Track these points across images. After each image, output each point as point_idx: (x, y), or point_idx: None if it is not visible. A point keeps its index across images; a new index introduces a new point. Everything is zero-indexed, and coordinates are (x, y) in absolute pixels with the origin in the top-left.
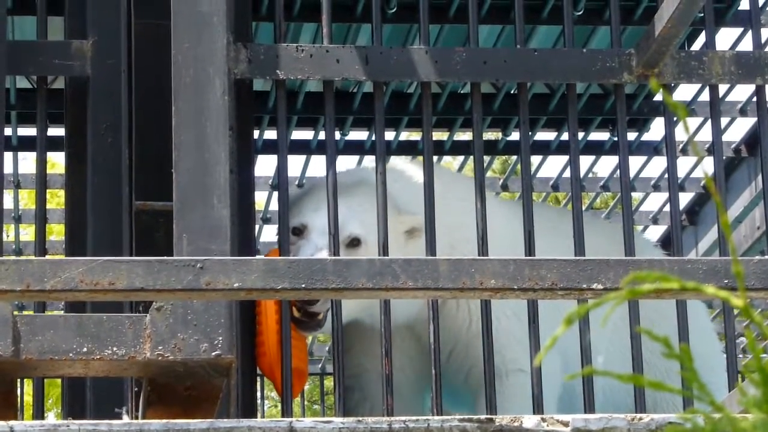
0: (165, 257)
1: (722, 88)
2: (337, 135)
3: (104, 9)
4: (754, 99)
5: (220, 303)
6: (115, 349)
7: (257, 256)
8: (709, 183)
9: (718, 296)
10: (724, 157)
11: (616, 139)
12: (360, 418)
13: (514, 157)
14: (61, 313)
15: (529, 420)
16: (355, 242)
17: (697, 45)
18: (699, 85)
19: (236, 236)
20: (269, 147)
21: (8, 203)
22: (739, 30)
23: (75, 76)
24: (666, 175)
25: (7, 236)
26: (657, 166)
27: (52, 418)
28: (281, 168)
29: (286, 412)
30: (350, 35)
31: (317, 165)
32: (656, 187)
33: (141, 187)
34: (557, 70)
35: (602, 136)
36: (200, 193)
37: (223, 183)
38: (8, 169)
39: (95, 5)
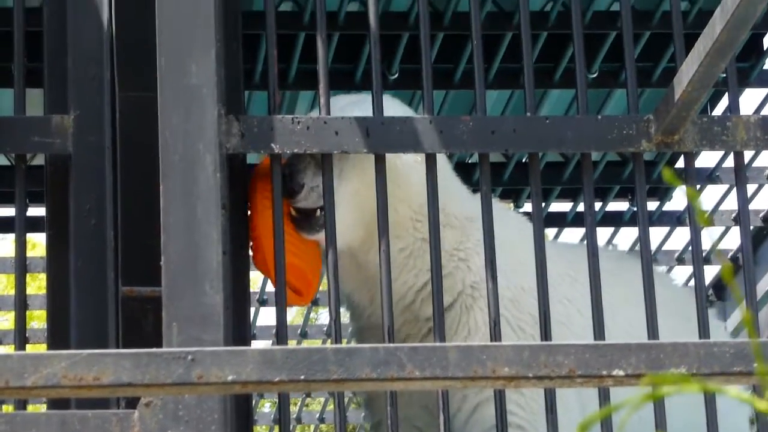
0: (153, 349)
1: (748, 154)
2: None
3: (86, 81)
4: None
5: (213, 397)
6: None
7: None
8: (725, 273)
9: (741, 400)
10: (751, 227)
11: (635, 209)
12: None
13: None
14: (44, 409)
15: None
16: None
17: (721, 107)
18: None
19: (230, 322)
20: None
21: None
22: (764, 91)
23: (55, 153)
24: (690, 248)
25: None
26: (680, 237)
27: None
28: (278, 246)
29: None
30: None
31: None
32: (680, 260)
33: (127, 271)
34: (571, 139)
35: (621, 206)
36: (191, 277)
37: (216, 266)
38: None
39: (77, 77)
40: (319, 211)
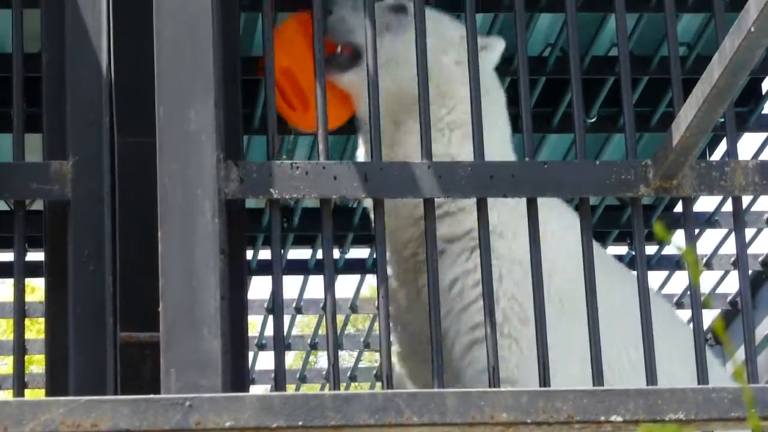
0: (151, 396)
1: (746, 199)
2: (337, 253)
3: (85, 127)
4: None
5: None
6: None
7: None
8: (717, 328)
9: None
10: (750, 272)
11: (634, 253)
12: None
13: None
14: None
15: None
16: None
17: (719, 150)
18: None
19: (228, 367)
20: (264, 268)
21: None
22: (763, 135)
23: (54, 200)
24: (689, 292)
25: None
26: (679, 281)
27: None
28: (276, 290)
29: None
30: (348, 148)
31: (315, 285)
32: (679, 305)
33: (126, 317)
34: (569, 185)
35: (620, 250)
36: (189, 323)
37: (214, 312)
38: None
39: (75, 123)
40: (340, 48)
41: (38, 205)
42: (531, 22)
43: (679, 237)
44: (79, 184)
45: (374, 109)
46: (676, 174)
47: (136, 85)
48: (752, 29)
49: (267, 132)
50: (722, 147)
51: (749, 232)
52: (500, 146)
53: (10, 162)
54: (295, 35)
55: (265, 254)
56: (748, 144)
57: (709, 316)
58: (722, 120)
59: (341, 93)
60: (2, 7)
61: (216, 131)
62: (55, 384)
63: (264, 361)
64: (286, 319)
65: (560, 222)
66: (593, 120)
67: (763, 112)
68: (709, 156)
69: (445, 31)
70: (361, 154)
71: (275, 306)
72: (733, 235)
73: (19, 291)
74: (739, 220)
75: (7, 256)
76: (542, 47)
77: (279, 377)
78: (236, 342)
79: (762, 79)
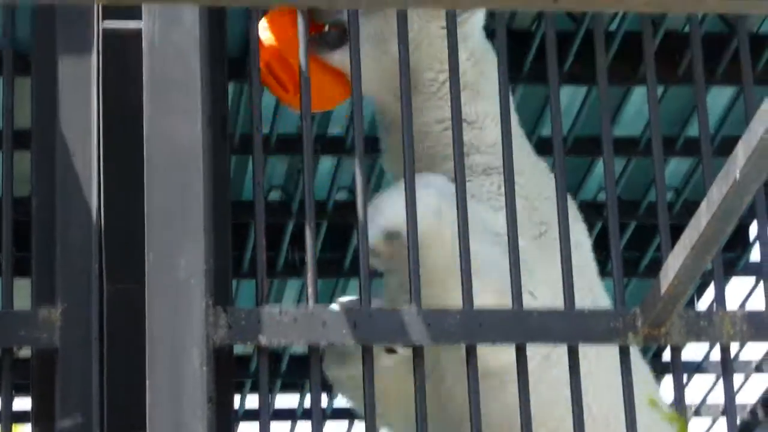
0: None
1: (735, 346)
2: (325, 400)
3: (74, 274)
4: None
5: None
6: None
7: None
8: None
9: None
10: (739, 420)
11: None
12: None
13: None
14: None
15: None
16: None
17: (708, 295)
18: None
19: None
20: (251, 414)
21: None
22: (750, 280)
23: (42, 348)
24: None
25: None
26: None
27: None
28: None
29: None
30: (337, 292)
31: None
32: None
33: None
34: (558, 332)
35: None
36: None
37: None
38: None
39: (65, 269)
40: (327, 27)
41: (26, 352)
42: None
43: (667, 383)
44: (68, 332)
45: (364, 249)
46: (664, 322)
47: (126, 230)
48: (738, 177)
49: (256, 276)
50: (710, 292)
51: (738, 379)
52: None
53: None
54: (283, 18)
55: (252, 400)
56: (736, 289)
57: None
58: (710, 266)
59: (334, 71)
60: None
61: (205, 278)
62: None
63: None
64: None
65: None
66: None
67: (751, 258)
68: (697, 300)
69: None
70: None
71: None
72: (721, 382)
73: None
74: (727, 368)
75: None
76: None
77: None
78: None
79: (749, 225)
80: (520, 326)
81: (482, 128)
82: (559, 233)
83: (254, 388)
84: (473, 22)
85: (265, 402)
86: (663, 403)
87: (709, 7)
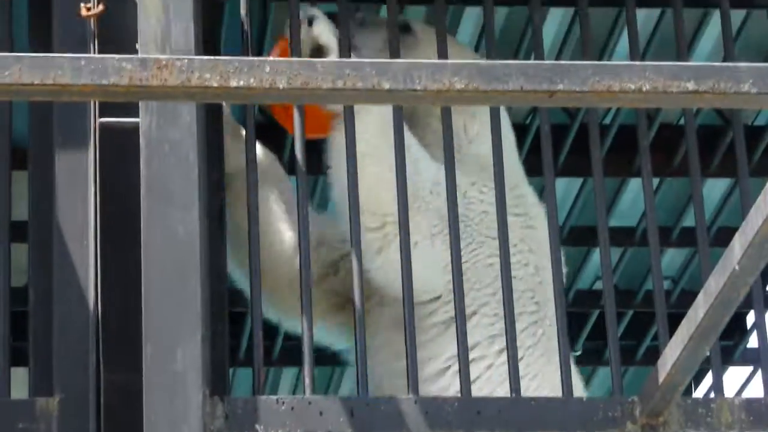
0: None
1: None
2: None
3: (72, 364)
4: None
5: None
6: None
7: None
8: None
9: None
10: None
11: None
12: None
13: None
14: None
15: None
16: None
17: (705, 382)
18: None
19: None
20: None
21: None
22: (748, 368)
23: None
24: None
25: None
26: None
27: None
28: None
29: None
30: (334, 380)
31: None
32: None
33: None
34: (556, 421)
35: None
36: None
37: None
38: None
39: (62, 359)
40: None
41: None
42: None
43: None
44: (65, 423)
45: (360, 344)
46: (662, 411)
47: (124, 321)
48: (737, 268)
49: (253, 366)
50: (708, 379)
51: None
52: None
53: None
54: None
55: None
56: (733, 376)
57: None
58: (707, 354)
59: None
60: None
61: (202, 368)
62: None
63: None
64: None
65: None
66: (578, 353)
67: (748, 346)
68: (695, 387)
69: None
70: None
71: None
72: None
73: None
74: None
75: None
76: None
77: None
78: None
79: (746, 314)
80: (518, 414)
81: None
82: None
83: None
84: None
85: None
86: None
87: (704, 102)
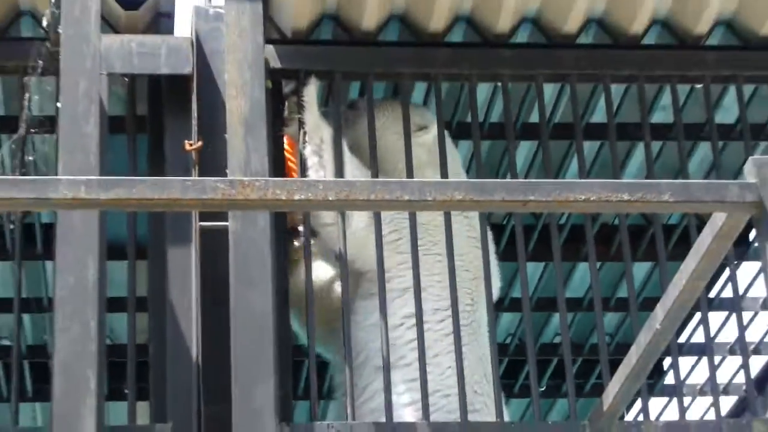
0: None
1: None
2: None
3: (180, 398)
4: None
5: None
6: None
7: None
8: None
9: None
10: None
11: None
12: None
13: None
14: None
15: None
16: None
17: (635, 409)
18: None
19: None
20: None
21: None
22: (665, 399)
23: None
24: None
25: None
26: None
27: None
28: None
29: None
30: None
31: None
32: None
33: None
34: None
35: None
36: None
37: None
38: None
39: (173, 395)
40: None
41: None
42: (497, 319)
43: None
44: None
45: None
46: (605, 431)
47: (218, 369)
48: (659, 327)
49: (310, 398)
50: (637, 407)
51: None
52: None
53: (124, 425)
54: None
55: None
56: (655, 405)
57: None
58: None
59: None
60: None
61: (274, 402)
62: None
63: None
64: None
65: None
66: (543, 389)
67: (665, 382)
68: (627, 411)
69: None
70: None
71: None
72: None
73: None
74: None
75: None
76: (505, 336)
77: None
78: None
79: (664, 359)
80: None
81: None
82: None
83: None
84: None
85: None
86: None
87: (634, 208)
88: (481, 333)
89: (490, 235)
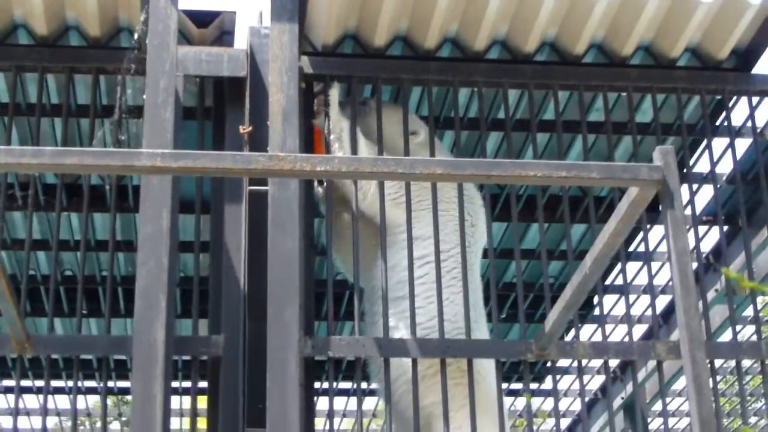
0: None
1: (584, 360)
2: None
3: (231, 315)
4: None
5: None
6: None
7: None
8: None
9: None
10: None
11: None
12: None
13: None
14: None
15: None
16: None
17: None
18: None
19: None
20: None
21: None
22: (594, 326)
23: (213, 356)
24: None
25: None
26: None
27: None
28: None
29: None
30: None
31: None
32: None
33: None
34: (486, 351)
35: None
36: None
37: None
38: None
39: (226, 313)
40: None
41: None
42: None
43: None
44: (228, 349)
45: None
46: (547, 347)
47: (259, 294)
48: (587, 272)
49: (327, 320)
50: (572, 332)
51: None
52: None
53: (190, 335)
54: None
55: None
56: (586, 330)
57: None
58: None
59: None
60: (187, 251)
61: (299, 321)
62: None
63: None
64: None
65: None
66: (503, 316)
67: (595, 314)
68: (566, 335)
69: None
70: None
71: None
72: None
73: None
74: (581, 371)
75: None
76: None
77: None
78: None
79: (593, 296)
80: (467, 344)
81: None
82: None
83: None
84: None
85: (331, 387)
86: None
87: (570, 182)
88: (474, 270)
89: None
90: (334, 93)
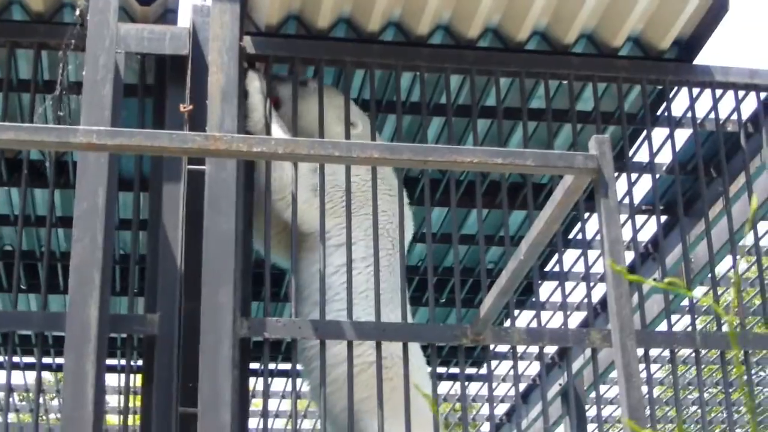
0: None
1: (520, 348)
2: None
3: (166, 294)
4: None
5: None
6: None
7: None
8: None
9: None
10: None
11: None
12: None
13: None
14: None
15: None
16: None
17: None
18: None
19: None
20: (257, 373)
21: None
22: (532, 312)
23: (148, 335)
24: None
25: None
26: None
27: None
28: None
29: None
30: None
31: None
32: None
33: None
34: (425, 336)
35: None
36: None
37: None
38: None
39: (161, 291)
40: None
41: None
42: (412, 249)
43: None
44: (163, 327)
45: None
46: (482, 332)
47: (194, 273)
48: (522, 258)
49: (264, 301)
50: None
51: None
52: None
53: (125, 314)
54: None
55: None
56: (524, 317)
57: None
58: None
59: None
60: (125, 229)
61: (234, 301)
62: None
63: None
64: None
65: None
66: (443, 301)
67: (533, 299)
68: (504, 321)
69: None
70: None
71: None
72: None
73: None
74: (516, 357)
75: None
76: (417, 261)
77: None
78: None
79: (532, 282)
80: (402, 330)
81: None
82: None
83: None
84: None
85: (265, 367)
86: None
87: (507, 169)
88: (396, 269)
89: (404, 191)
90: (254, 82)
